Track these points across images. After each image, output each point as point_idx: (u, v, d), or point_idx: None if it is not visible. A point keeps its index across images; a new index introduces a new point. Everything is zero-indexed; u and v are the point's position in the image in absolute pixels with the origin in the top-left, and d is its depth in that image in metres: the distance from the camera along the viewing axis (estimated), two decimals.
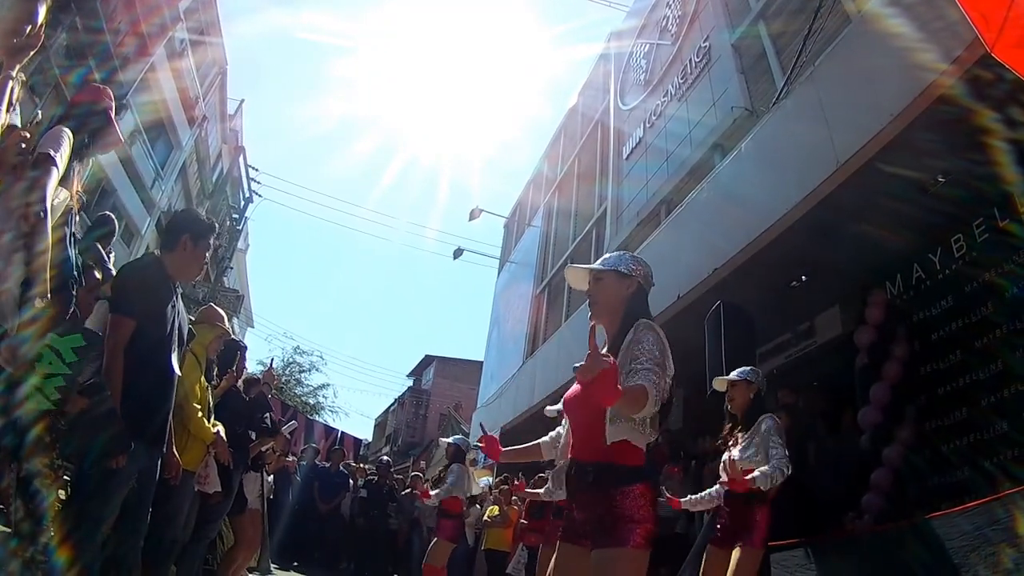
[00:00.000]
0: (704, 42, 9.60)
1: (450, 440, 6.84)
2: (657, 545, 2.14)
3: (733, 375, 4.16)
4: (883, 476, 5.40)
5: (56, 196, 2.33)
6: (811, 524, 4.83)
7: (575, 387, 2.30)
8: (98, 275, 3.52)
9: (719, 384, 4.22)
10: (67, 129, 2.45)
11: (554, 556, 2.28)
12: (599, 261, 2.44)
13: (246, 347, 5.11)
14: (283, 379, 26.55)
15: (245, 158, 21.48)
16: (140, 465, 2.66)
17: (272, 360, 6.61)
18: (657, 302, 4.10)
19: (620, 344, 2.21)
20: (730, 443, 4.04)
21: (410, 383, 37.75)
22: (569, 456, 2.29)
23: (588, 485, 2.15)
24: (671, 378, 2.17)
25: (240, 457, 4.55)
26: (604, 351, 2.25)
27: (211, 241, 3.03)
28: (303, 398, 29.55)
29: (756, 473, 3.61)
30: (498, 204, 47.09)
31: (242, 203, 21.72)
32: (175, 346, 2.86)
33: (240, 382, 4.84)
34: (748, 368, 4.20)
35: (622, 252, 2.49)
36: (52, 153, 2.30)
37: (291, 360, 29.78)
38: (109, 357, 2.61)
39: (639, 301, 2.35)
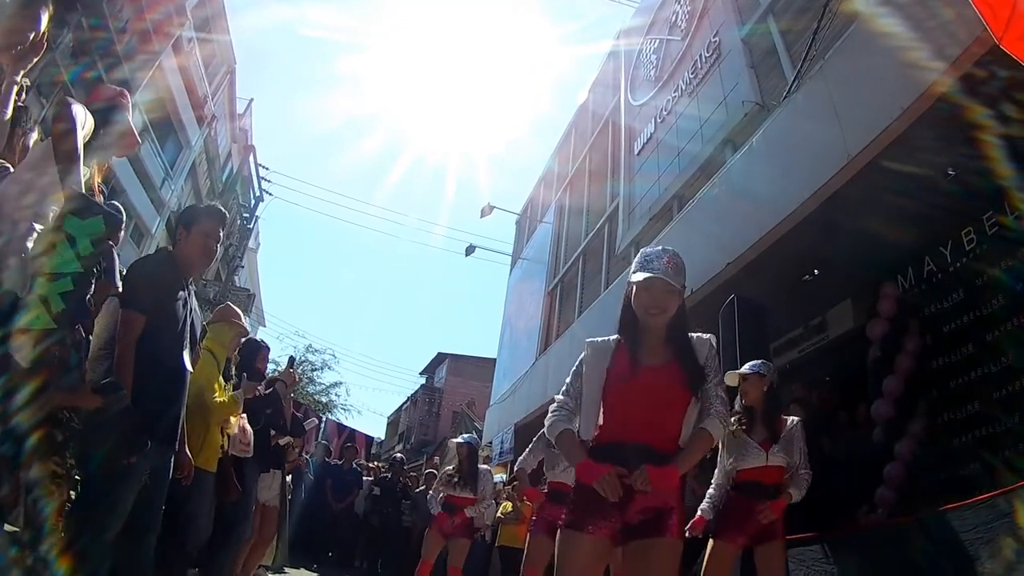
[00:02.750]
0: (714, 37, 9.56)
1: (460, 440, 6.56)
2: None
3: (744, 369, 4.13)
4: (896, 470, 5.38)
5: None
6: (824, 518, 4.81)
7: (648, 375, 2.26)
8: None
9: (731, 379, 4.08)
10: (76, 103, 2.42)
11: (585, 549, 2.19)
12: (670, 269, 2.30)
13: (268, 348, 4.98)
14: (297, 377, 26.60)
15: (255, 157, 21.48)
16: (152, 463, 2.63)
17: (292, 359, 6.37)
18: None
19: (682, 340, 2.33)
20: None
21: (423, 381, 37.82)
22: (620, 438, 2.24)
23: None
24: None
25: (258, 455, 4.49)
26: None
27: (213, 224, 2.98)
28: (316, 396, 29.60)
29: (795, 497, 3.77)
30: (508, 201, 46.93)
31: (252, 202, 21.70)
32: (187, 342, 2.85)
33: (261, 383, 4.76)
34: (759, 361, 4.17)
35: (680, 262, 2.34)
36: (71, 123, 2.30)
37: (303, 358, 29.76)
38: (120, 353, 2.58)
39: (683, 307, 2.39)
